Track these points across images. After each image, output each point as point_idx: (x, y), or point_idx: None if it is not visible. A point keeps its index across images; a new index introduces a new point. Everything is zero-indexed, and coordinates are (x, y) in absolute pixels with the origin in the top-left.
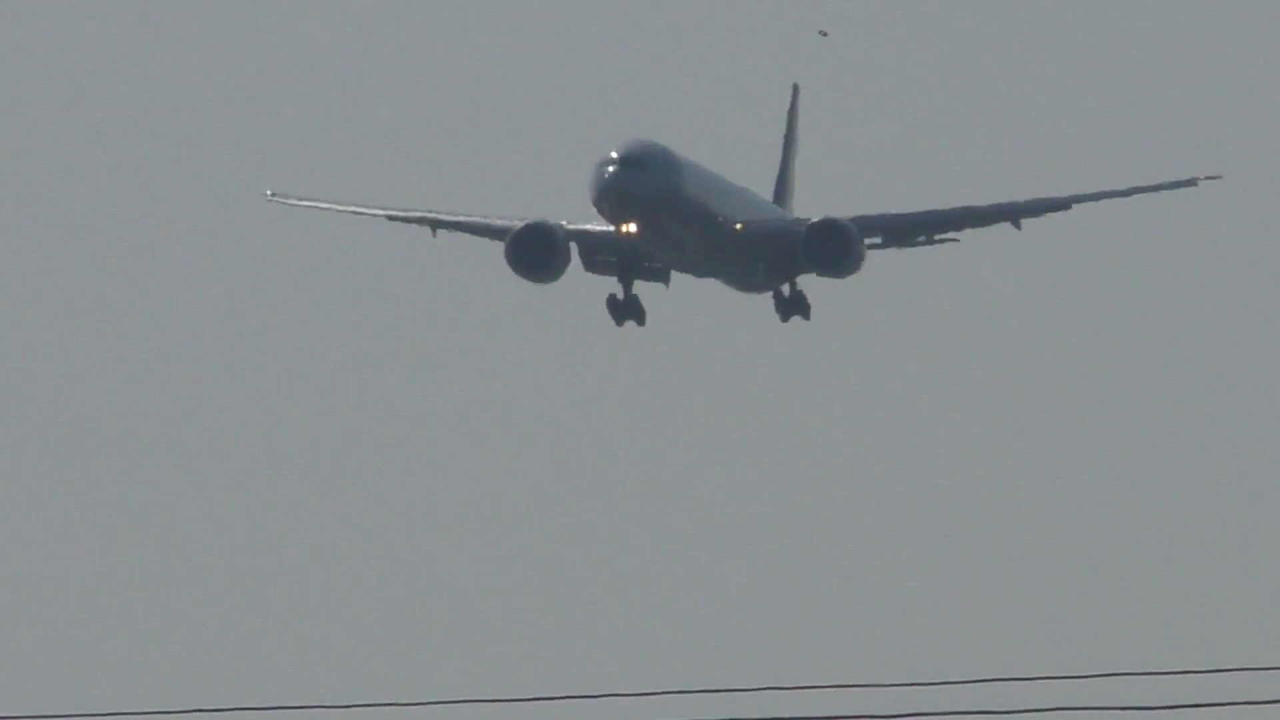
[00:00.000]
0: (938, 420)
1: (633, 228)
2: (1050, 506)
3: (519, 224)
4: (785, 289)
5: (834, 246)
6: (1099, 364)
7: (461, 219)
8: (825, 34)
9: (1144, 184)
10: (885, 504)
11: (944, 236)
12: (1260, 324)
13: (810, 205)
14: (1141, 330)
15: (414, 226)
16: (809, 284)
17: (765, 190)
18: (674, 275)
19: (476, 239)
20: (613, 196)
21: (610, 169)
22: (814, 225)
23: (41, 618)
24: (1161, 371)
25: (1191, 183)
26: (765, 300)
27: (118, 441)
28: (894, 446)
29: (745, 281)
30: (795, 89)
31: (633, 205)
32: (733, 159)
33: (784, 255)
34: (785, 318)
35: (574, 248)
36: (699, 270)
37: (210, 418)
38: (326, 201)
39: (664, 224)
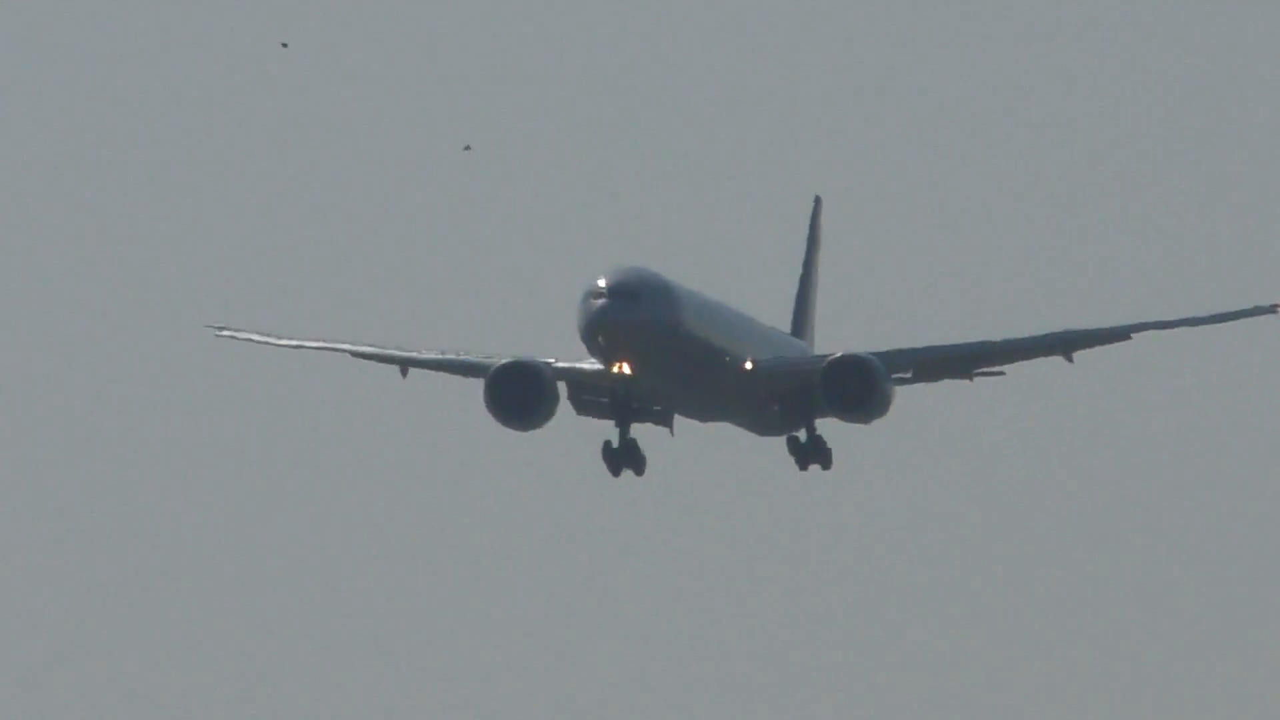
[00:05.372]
0: (975, 589)
1: (626, 367)
2: (1096, 677)
3: (499, 361)
4: (802, 434)
5: (857, 387)
6: (1161, 523)
7: (435, 356)
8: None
9: (1214, 311)
10: (912, 684)
11: (985, 371)
12: None
13: (833, 338)
14: (1208, 480)
15: (381, 365)
16: (830, 428)
17: (781, 321)
18: (677, 418)
19: (451, 379)
20: (602, 332)
21: (598, 301)
22: (834, 362)
23: None
24: (1231, 526)
25: (1272, 309)
26: (781, 444)
27: (58, 588)
28: (925, 616)
29: (757, 424)
30: (817, 202)
31: (625, 342)
32: (743, 285)
33: (801, 396)
34: (803, 466)
35: (562, 388)
36: (704, 413)
37: (157, 574)
38: (278, 336)
39: (661, 362)
